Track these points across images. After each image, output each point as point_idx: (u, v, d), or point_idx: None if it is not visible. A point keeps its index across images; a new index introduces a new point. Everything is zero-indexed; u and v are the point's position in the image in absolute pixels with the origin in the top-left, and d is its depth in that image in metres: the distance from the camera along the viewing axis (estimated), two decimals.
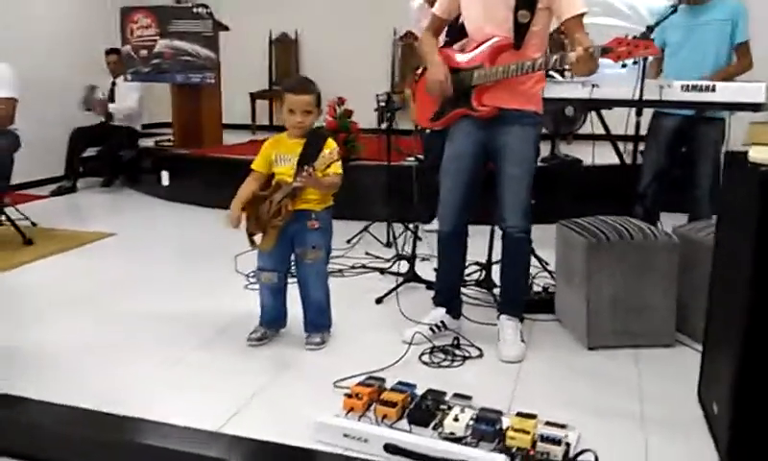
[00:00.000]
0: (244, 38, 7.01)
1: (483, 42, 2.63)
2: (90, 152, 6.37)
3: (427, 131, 3.02)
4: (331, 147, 2.65)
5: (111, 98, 6.35)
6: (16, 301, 3.48)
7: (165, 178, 5.90)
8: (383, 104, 4.05)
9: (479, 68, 2.62)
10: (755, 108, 3.18)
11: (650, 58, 3.29)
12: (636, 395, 2.40)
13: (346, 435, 2.02)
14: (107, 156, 6.35)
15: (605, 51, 2.30)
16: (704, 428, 2.15)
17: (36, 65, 5.71)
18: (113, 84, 6.39)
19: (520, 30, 2.55)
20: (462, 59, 2.71)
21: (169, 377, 2.53)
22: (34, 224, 4.66)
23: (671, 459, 2.01)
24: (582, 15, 2.51)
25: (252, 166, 2.78)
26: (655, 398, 2.37)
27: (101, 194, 6.30)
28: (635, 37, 2.44)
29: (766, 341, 1.82)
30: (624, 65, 2.29)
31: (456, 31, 2.97)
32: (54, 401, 2.30)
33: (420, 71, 3.83)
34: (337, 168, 2.64)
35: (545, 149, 5.06)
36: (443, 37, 2.97)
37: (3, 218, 4.35)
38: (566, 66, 2.48)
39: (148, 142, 6.58)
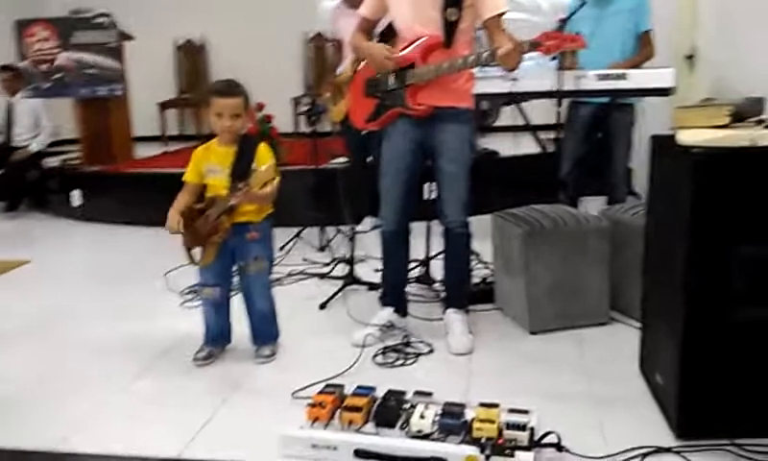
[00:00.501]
0: (149, 47, 6.74)
1: (413, 41, 2.65)
2: None
3: (364, 132, 3.01)
4: (265, 157, 2.60)
5: (9, 119, 5.98)
6: None
7: (76, 198, 5.61)
8: (308, 107, 4.02)
9: (411, 67, 2.64)
10: (664, 92, 3.39)
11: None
12: (582, 373, 2.51)
13: (314, 446, 2.00)
14: (8, 179, 5.97)
15: (534, 45, 2.38)
16: (650, 399, 2.26)
17: None
18: (9, 104, 6.01)
19: (449, 28, 2.59)
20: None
21: (117, 409, 2.40)
22: None
23: (625, 430, 2.09)
24: (502, 14, 2.59)
25: (184, 178, 2.69)
26: (600, 374, 2.48)
27: (6, 220, 5.89)
28: (554, 31, 2.54)
29: (705, 312, 1.95)
30: (554, 58, 2.37)
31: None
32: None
33: (340, 72, 3.81)
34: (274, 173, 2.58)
35: None
36: None
37: None
38: (494, 62, 2.53)
39: (51, 161, 6.24)
